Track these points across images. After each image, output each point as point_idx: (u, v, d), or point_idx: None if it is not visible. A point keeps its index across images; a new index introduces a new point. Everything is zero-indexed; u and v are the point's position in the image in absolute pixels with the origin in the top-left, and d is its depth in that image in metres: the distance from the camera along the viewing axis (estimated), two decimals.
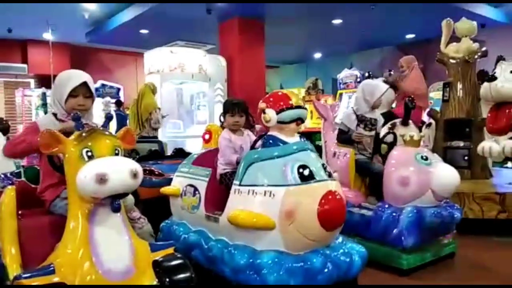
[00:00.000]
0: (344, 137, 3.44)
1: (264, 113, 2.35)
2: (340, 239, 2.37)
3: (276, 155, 2.26)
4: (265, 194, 2.16)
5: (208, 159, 2.86)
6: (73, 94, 2.21)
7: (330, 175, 2.26)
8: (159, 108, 6.70)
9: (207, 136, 3.21)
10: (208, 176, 2.70)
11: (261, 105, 2.38)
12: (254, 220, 2.14)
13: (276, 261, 2.08)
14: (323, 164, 2.30)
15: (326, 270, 2.13)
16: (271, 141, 2.36)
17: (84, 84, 2.25)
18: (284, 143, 2.33)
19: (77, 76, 2.26)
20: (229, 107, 2.74)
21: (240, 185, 2.28)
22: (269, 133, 2.41)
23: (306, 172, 2.16)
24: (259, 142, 2.47)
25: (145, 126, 6.54)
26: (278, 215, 2.10)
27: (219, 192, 2.58)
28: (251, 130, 3.01)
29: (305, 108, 2.43)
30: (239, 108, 2.72)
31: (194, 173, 2.81)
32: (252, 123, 3.30)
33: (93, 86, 2.33)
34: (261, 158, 2.28)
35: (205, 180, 2.69)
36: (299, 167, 2.17)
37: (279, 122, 2.33)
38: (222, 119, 2.82)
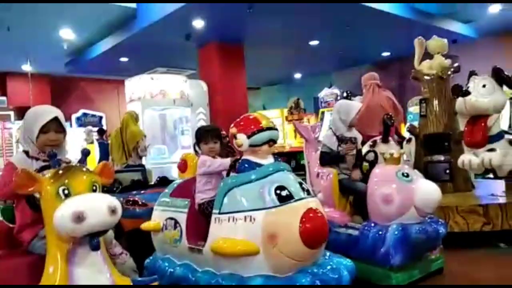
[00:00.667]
0: (327, 158, 3.45)
1: (236, 138, 2.36)
2: (327, 255, 2.37)
3: (252, 178, 2.27)
4: (245, 220, 2.16)
5: (186, 189, 2.84)
6: (43, 130, 2.19)
7: (308, 193, 2.28)
8: (145, 136, 6.60)
9: (182, 166, 3.18)
10: (187, 206, 2.67)
11: (232, 130, 2.40)
12: (237, 247, 2.13)
13: (264, 285, 2.06)
14: (300, 183, 2.31)
15: None
16: (246, 165, 2.37)
17: (55, 119, 2.23)
18: (259, 165, 2.34)
19: (47, 112, 2.25)
20: (203, 135, 2.75)
21: (219, 213, 2.27)
22: (243, 157, 2.42)
23: (284, 193, 2.17)
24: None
25: (131, 155, 6.35)
26: (261, 239, 2.10)
27: (200, 222, 2.55)
28: (234, 154, 3.01)
29: (276, 129, 2.46)
30: (211, 134, 2.73)
31: (173, 205, 2.78)
32: (226, 145, 3.30)
33: (64, 120, 2.32)
34: (238, 183, 2.29)
35: (184, 212, 2.66)
36: (276, 188, 2.18)
37: (251, 145, 2.34)
38: (197, 148, 2.81)
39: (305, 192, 2.25)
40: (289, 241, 2.08)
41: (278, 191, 2.17)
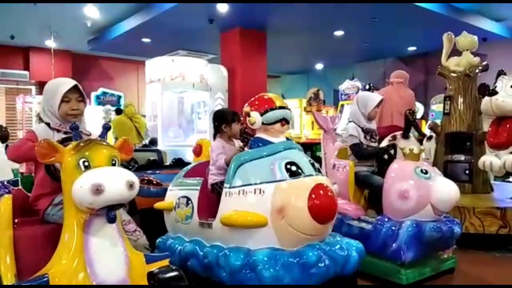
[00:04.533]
0: (364, 151, 3.33)
1: (249, 116, 2.40)
2: (337, 237, 2.38)
3: (264, 154, 2.32)
4: (255, 192, 2.20)
5: (199, 171, 2.89)
6: (65, 99, 2.23)
7: (319, 171, 2.32)
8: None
9: (197, 150, 3.23)
10: (200, 184, 2.72)
11: (246, 108, 2.45)
12: (247, 218, 2.16)
13: (271, 257, 2.08)
14: (310, 160, 2.35)
15: (322, 264, 2.12)
16: (258, 143, 2.40)
17: (75, 88, 2.27)
18: (271, 143, 2.38)
19: (67, 81, 2.29)
20: (234, 116, 2.82)
21: (230, 187, 2.31)
22: (256, 135, 2.45)
23: (294, 168, 2.22)
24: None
25: (143, 138, 7.27)
26: (270, 211, 2.13)
27: (211, 200, 2.60)
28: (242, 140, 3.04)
29: (289, 109, 2.49)
30: (237, 116, 2.81)
31: (186, 184, 2.84)
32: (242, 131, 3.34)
33: (82, 90, 2.35)
34: (250, 158, 2.33)
35: (197, 189, 2.71)
36: (287, 163, 2.22)
37: (264, 123, 2.38)
38: (223, 128, 2.81)
39: (316, 170, 2.29)
40: (297, 215, 2.11)
41: (288, 166, 2.21)
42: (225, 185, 2.36)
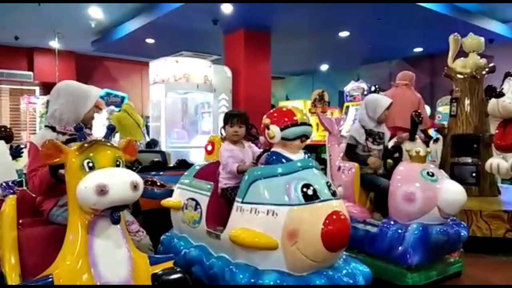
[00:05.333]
0: (353, 154, 3.36)
1: (268, 129, 2.31)
2: (343, 258, 2.32)
3: (279, 172, 2.22)
4: (267, 213, 2.12)
5: (210, 172, 2.84)
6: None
7: (334, 194, 2.22)
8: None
9: (209, 148, 3.18)
10: (210, 190, 2.67)
11: (265, 120, 2.35)
12: (256, 239, 2.11)
13: (278, 282, 2.04)
14: (327, 182, 2.26)
15: None
16: (274, 158, 2.32)
17: None
18: (288, 159, 2.29)
19: (95, 88, 2.41)
20: (229, 118, 2.75)
21: (242, 202, 2.25)
22: (273, 149, 2.37)
23: (310, 192, 2.12)
24: (263, 158, 2.43)
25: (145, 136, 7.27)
26: (281, 235, 2.06)
27: (220, 207, 2.55)
28: (255, 142, 2.99)
29: (310, 125, 2.39)
30: (238, 119, 2.72)
31: (196, 187, 2.78)
32: (256, 135, 3.29)
33: None
34: (264, 175, 2.24)
35: (207, 195, 2.66)
36: (303, 186, 2.13)
37: (283, 138, 2.29)
38: (223, 131, 2.80)
39: (331, 193, 2.20)
40: (309, 241, 2.04)
41: (304, 189, 2.12)
42: (237, 198, 2.29)
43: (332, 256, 2.14)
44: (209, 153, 3.17)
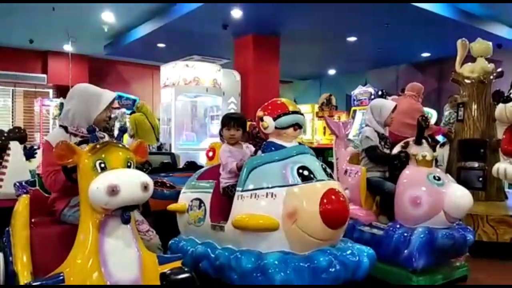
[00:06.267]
0: (379, 154, 3.29)
1: (262, 120, 2.42)
2: (349, 243, 2.38)
3: (276, 158, 2.33)
4: (267, 196, 2.22)
5: (212, 174, 2.92)
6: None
7: (331, 176, 2.32)
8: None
9: (210, 154, 3.28)
10: (212, 187, 2.76)
11: (259, 113, 2.47)
12: (259, 221, 2.18)
13: (281, 260, 2.09)
14: (322, 165, 2.35)
15: (332, 269, 2.12)
16: (271, 147, 2.42)
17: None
18: (284, 148, 2.39)
19: (108, 91, 2.45)
20: (226, 121, 2.83)
21: (242, 191, 2.33)
22: (268, 140, 2.47)
23: (306, 173, 2.23)
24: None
25: (158, 139, 7.33)
26: (281, 215, 2.14)
27: (223, 203, 2.63)
28: (260, 144, 3.04)
29: (302, 114, 2.50)
30: (235, 122, 2.81)
31: (199, 187, 2.87)
32: (255, 136, 3.36)
33: None
34: (262, 162, 2.35)
35: (210, 192, 2.74)
36: (299, 168, 2.23)
37: (277, 128, 2.40)
38: (221, 133, 2.88)
39: (327, 175, 2.29)
40: (309, 219, 2.12)
41: (300, 171, 2.22)
42: (237, 188, 2.39)
43: (333, 233, 2.19)
44: (210, 158, 3.27)
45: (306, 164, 2.28)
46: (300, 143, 2.53)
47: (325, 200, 2.12)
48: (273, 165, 2.31)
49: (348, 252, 2.25)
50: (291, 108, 2.43)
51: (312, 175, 2.23)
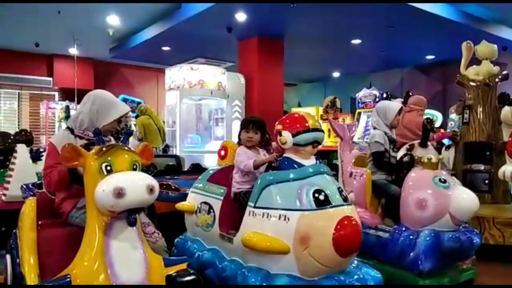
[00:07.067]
0: (385, 163, 3.30)
1: (280, 135, 2.34)
2: (355, 263, 2.32)
3: (291, 177, 2.24)
4: (279, 218, 2.14)
5: (223, 176, 2.89)
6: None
7: (345, 199, 2.23)
8: None
9: (222, 152, 3.21)
10: (223, 194, 2.71)
11: (278, 127, 2.38)
12: (268, 244, 2.13)
13: (289, 285, 2.06)
14: (339, 188, 2.27)
15: None
16: (286, 163, 2.35)
17: None
18: (300, 165, 2.31)
19: (123, 104, 2.48)
20: (245, 124, 2.79)
21: (255, 207, 2.28)
22: (285, 155, 2.40)
23: (321, 197, 2.14)
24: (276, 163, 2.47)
25: (164, 140, 7.34)
26: (293, 240, 2.08)
27: (233, 211, 2.59)
28: (267, 148, 3.03)
29: (322, 131, 2.41)
30: (254, 125, 2.76)
31: (209, 191, 2.83)
32: (269, 141, 3.35)
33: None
34: (276, 180, 2.26)
35: (220, 199, 2.70)
36: (315, 191, 2.15)
37: (295, 144, 2.32)
38: (240, 136, 2.86)
39: (343, 199, 2.22)
40: (321, 246, 2.06)
41: (316, 195, 2.14)
42: (249, 202, 2.32)
43: (344, 261, 2.15)
44: (222, 157, 3.21)
45: (322, 187, 2.18)
46: (317, 159, 2.42)
47: (339, 227, 2.05)
48: (288, 185, 2.22)
49: (355, 277, 2.20)
50: (311, 125, 2.33)
51: (327, 200, 2.15)
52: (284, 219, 2.13)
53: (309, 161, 2.35)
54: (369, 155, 3.45)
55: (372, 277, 2.27)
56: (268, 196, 2.24)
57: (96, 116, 2.35)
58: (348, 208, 2.20)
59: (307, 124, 2.32)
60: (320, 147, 2.45)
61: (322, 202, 2.13)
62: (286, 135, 2.32)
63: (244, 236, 2.23)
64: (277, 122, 2.42)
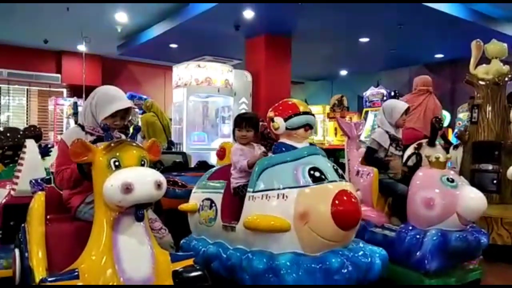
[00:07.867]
0: (374, 158, 3.34)
1: (273, 121, 2.42)
2: (361, 244, 2.36)
3: (287, 159, 2.33)
4: (278, 197, 2.21)
5: (223, 174, 2.93)
6: (113, 113, 2.32)
7: (342, 177, 2.30)
8: None
9: (221, 153, 3.29)
10: (223, 187, 2.77)
11: (270, 113, 2.47)
12: (269, 222, 2.17)
13: (293, 262, 2.09)
14: (333, 166, 2.34)
15: (345, 270, 2.11)
16: (282, 148, 2.42)
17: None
18: (295, 148, 2.38)
19: (123, 100, 2.37)
20: (238, 121, 2.84)
21: (254, 191, 2.33)
22: (279, 140, 2.47)
23: (317, 174, 2.22)
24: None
25: (168, 137, 7.30)
26: (293, 217, 2.14)
27: (234, 203, 2.63)
28: (265, 143, 3.05)
29: (313, 115, 2.50)
30: (246, 122, 2.80)
31: (210, 187, 2.89)
32: (266, 136, 3.36)
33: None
34: (273, 163, 2.35)
35: (221, 192, 2.76)
36: (310, 169, 2.23)
37: (288, 128, 2.39)
38: (234, 133, 2.89)
39: (339, 176, 2.28)
40: (320, 220, 2.11)
41: (311, 172, 2.22)
42: (248, 189, 2.39)
43: (345, 235, 2.18)
44: (220, 158, 3.29)
45: (317, 165, 2.27)
46: (311, 144, 2.52)
47: (336, 201, 2.11)
48: (284, 166, 2.31)
49: (360, 253, 2.24)
50: (302, 109, 2.43)
51: (323, 176, 2.22)
52: (283, 198, 2.19)
53: (303, 144, 2.43)
54: None
55: (378, 254, 2.31)
56: (266, 179, 2.32)
57: (95, 111, 2.35)
58: (345, 183, 2.28)
59: (298, 108, 2.41)
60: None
61: (318, 178, 2.21)
62: (279, 121, 2.40)
63: (246, 219, 2.27)
64: (269, 110, 2.49)
